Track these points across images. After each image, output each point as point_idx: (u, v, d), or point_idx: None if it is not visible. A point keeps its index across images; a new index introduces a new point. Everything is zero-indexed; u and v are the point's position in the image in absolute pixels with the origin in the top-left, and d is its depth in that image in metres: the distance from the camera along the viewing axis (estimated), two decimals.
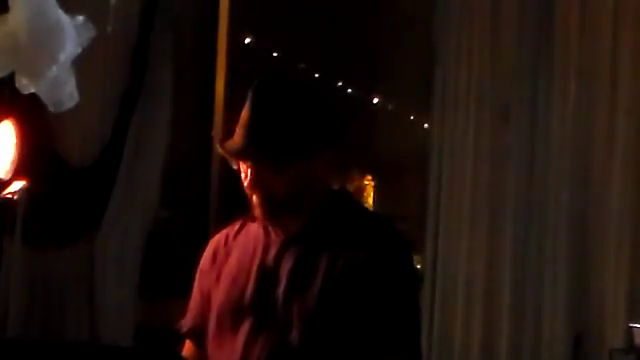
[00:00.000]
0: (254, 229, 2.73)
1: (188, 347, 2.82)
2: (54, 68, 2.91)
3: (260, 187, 2.60)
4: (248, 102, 2.62)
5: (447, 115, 5.12)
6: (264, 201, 2.62)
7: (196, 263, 2.84)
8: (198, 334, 2.77)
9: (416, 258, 4.78)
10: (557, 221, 4.90)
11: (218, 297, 2.70)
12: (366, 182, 6.30)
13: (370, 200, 6.24)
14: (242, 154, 2.61)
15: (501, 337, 4.95)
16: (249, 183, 2.62)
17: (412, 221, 5.44)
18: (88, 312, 5.28)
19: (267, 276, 2.64)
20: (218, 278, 2.73)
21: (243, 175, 2.64)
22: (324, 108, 2.65)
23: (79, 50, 2.98)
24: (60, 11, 2.95)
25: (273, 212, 2.63)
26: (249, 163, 2.61)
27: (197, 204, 5.68)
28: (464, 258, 5.03)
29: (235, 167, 2.67)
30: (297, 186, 2.61)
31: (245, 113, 2.61)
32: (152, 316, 5.19)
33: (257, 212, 2.65)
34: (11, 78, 2.96)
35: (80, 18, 2.97)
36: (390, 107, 6.39)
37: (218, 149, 2.67)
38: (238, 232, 2.76)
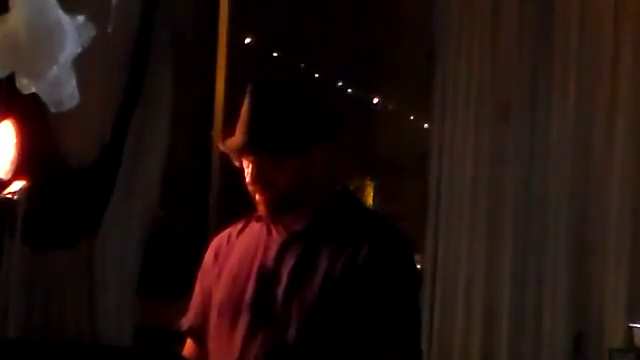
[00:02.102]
0: (257, 228, 2.74)
1: (188, 345, 2.82)
2: (54, 68, 2.91)
3: (262, 182, 2.63)
4: (246, 100, 2.66)
5: (447, 115, 5.12)
6: (266, 197, 2.64)
7: (196, 263, 2.84)
8: (198, 332, 2.78)
9: (416, 258, 4.77)
10: (557, 221, 4.90)
11: (218, 295, 2.71)
12: (366, 182, 6.29)
13: (370, 200, 6.23)
14: (243, 149, 2.64)
15: (501, 337, 4.95)
16: (251, 179, 2.64)
17: (412, 221, 5.43)
18: (88, 312, 5.28)
19: (268, 275, 2.64)
20: (219, 276, 2.74)
21: (246, 172, 2.66)
22: (318, 103, 2.69)
23: (79, 50, 2.97)
24: (60, 11, 2.94)
25: (276, 208, 2.65)
26: (250, 158, 2.64)
27: (197, 204, 5.67)
28: (464, 258, 5.03)
29: (237, 164, 2.70)
30: (298, 181, 2.63)
31: (244, 110, 2.66)
32: (152, 316, 5.19)
33: (260, 209, 2.67)
34: (11, 78, 2.96)
35: (80, 18, 2.97)
36: (390, 107, 6.38)
37: (220, 147, 2.70)
38: (241, 231, 2.78)
